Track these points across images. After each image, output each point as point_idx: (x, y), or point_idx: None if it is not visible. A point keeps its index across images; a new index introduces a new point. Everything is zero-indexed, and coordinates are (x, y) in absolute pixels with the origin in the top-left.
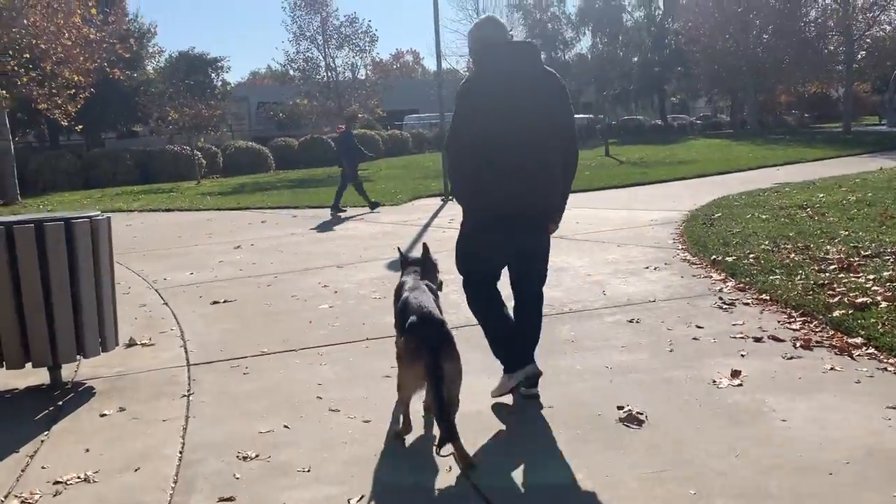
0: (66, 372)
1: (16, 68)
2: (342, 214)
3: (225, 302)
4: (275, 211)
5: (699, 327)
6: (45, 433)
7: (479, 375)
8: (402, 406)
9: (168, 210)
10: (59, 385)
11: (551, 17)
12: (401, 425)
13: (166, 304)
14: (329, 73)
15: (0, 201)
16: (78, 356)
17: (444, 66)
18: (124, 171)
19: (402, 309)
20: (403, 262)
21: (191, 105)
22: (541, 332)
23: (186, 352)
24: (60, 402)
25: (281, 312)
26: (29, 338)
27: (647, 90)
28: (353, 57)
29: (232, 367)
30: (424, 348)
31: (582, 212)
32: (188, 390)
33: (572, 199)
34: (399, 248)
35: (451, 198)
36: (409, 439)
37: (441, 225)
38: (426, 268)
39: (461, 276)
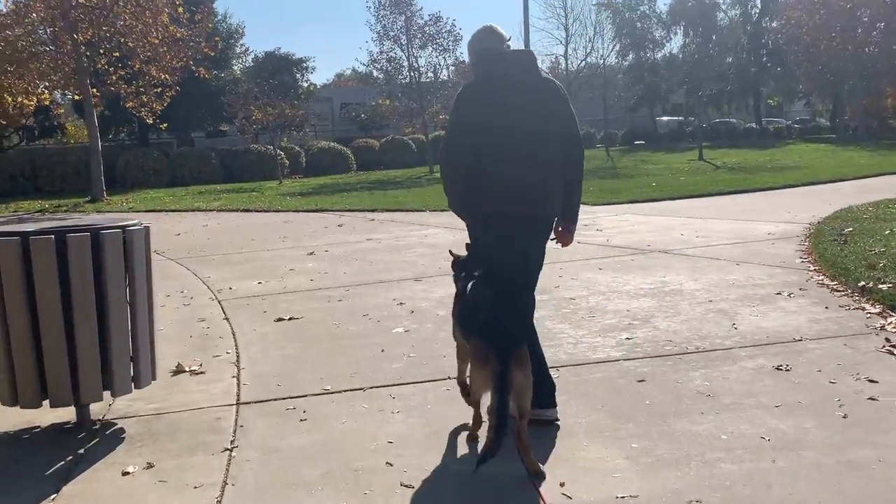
0: (99, 406)
1: (106, 66)
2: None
3: (290, 319)
4: (353, 214)
5: (872, 381)
6: (53, 496)
7: None
8: (474, 405)
9: (246, 210)
10: (86, 424)
11: (641, 16)
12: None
13: (227, 319)
14: (412, 74)
15: (87, 198)
16: (106, 393)
17: None
18: (209, 169)
19: (468, 305)
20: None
21: (274, 105)
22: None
23: (238, 384)
24: (82, 450)
25: (350, 336)
26: (46, 371)
27: (741, 92)
28: (437, 57)
29: (287, 410)
30: (494, 354)
31: (682, 222)
32: (232, 442)
33: (668, 207)
34: (451, 251)
35: None
36: None
37: None
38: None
39: None
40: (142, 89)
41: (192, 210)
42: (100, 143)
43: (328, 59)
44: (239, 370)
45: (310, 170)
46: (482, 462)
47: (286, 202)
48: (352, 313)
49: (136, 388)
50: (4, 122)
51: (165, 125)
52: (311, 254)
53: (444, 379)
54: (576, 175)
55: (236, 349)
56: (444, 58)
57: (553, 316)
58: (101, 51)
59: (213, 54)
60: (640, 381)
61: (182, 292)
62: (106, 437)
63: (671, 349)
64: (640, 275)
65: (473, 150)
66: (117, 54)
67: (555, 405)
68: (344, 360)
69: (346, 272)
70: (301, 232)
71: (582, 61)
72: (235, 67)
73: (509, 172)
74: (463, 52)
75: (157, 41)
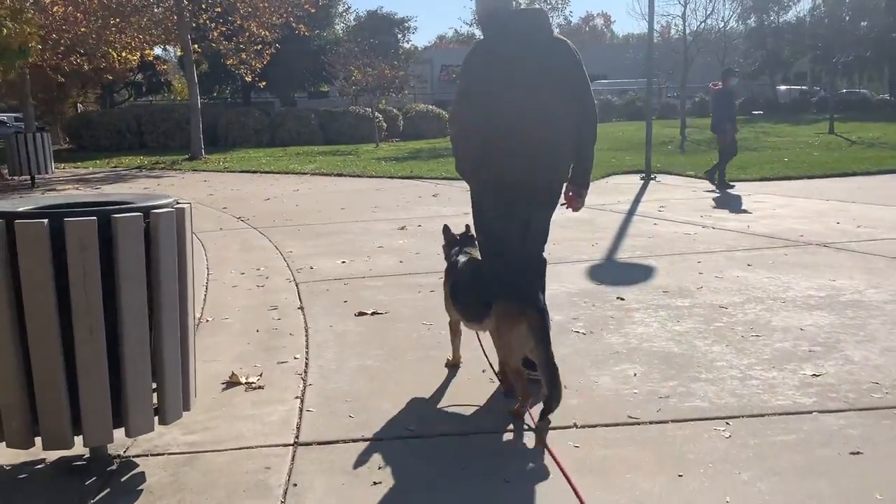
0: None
1: (207, 21)
2: (731, 190)
3: (373, 314)
4: (447, 183)
5: None
6: None
7: None
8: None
9: (339, 175)
10: (101, 461)
11: None
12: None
13: (302, 308)
14: None
15: (186, 155)
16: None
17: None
18: (308, 131)
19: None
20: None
21: (374, 65)
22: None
23: (301, 411)
24: None
25: (444, 344)
26: (38, 402)
27: (877, 60)
28: None
29: (358, 463)
30: (529, 308)
31: (834, 206)
32: None
33: (808, 186)
34: (446, 226)
35: (654, 176)
36: None
37: (649, 213)
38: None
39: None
40: (241, 46)
41: (286, 173)
42: (199, 101)
43: (430, 20)
44: (305, 387)
45: (407, 133)
46: (550, 412)
47: (381, 167)
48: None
49: (161, 423)
50: (111, 78)
51: (264, 83)
52: (403, 228)
53: (570, 427)
54: (587, 139)
55: (306, 354)
56: (552, 16)
57: (704, 332)
58: (203, 6)
59: (313, 10)
60: (854, 454)
61: (259, 270)
62: (119, 488)
63: (882, 397)
64: (802, 276)
65: (483, 112)
66: (219, 9)
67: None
68: (436, 381)
69: (439, 253)
70: (393, 202)
71: (701, 23)
72: (337, 27)
73: (515, 137)
74: (573, 11)
75: None
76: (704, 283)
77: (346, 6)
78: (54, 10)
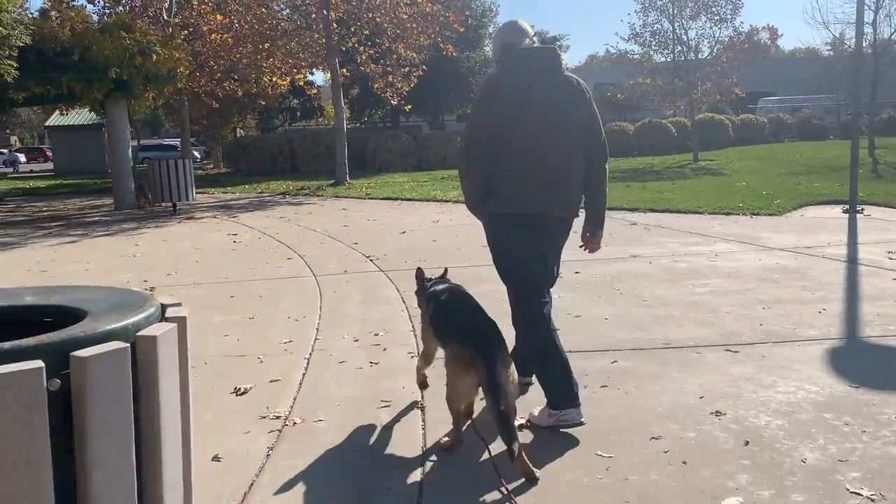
0: None
1: (356, 45)
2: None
3: (528, 425)
4: (608, 214)
5: None
6: None
7: None
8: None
9: None
10: None
11: None
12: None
13: (422, 408)
14: (679, 48)
15: (331, 181)
16: None
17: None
18: (455, 154)
19: (444, 312)
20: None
21: None
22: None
23: None
24: None
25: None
26: None
27: None
28: (710, 28)
29: None
30: (479, 357)
31: None
32: None
33: None
34: (420, 269)
35: (861, 209)
36: None
37: (878, 261)
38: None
39: (511, 291)
40: (389, 69)
41: (427, 200)
42: (345, 125)
43: (580, 41)
44: None
45: None
46: (514, 455)
47: None
48: (633, 427)
49: None
50: (264, 103)
51: (410, 107)
52: (577, 272)
53: None
54: (597, 178)
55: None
56: (720, 29)
57: None
58: (352, 28)
59: (461, 30)
60: None
61: (377, 336)
62: None
63: None
64: None
65: (492, 145)
66: (367, 32)
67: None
68: None
69: (607, 317)
70: None
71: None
72: (487, 48)
73: (524, 171)
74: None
75: (405, 16)
76: None
77: (497, 26)
78: (211, 37)
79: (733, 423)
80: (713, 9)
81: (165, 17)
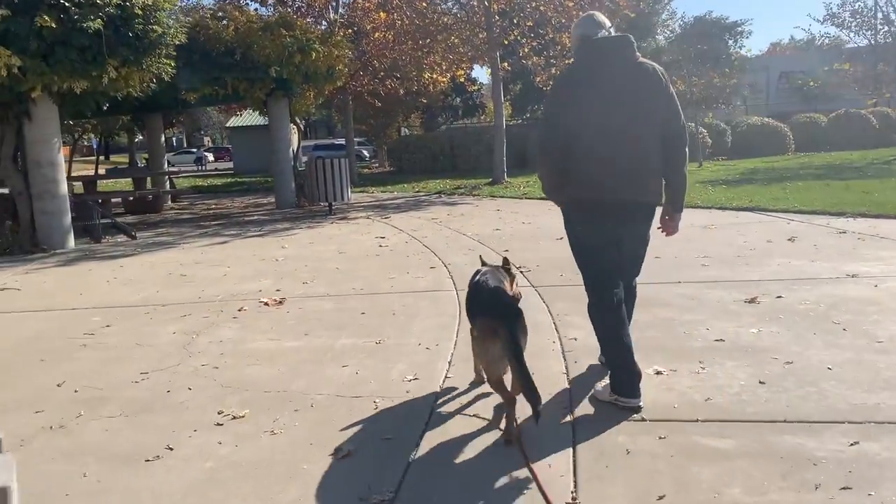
0: None
1: (518, 37)
2: None
3: None
4: (807, 218)
5: None
6: None
7: None
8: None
9: None
10: None
11: None
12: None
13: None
14: (887, 28)
15: (488, 179)
16: None
17: None
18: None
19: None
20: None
21: (700, 74)
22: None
23: None
24: None
25: None
26: None
27: None
28: None
29: None
30: (500, 324)
31: None
32: None
33: None
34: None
35: None
36: None
37: None
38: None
39: (584, 277)
40: (552, 61)
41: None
42: (504, 122)
43: (762, 27)
44: None
45: (735, 150)
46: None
47: (708, 194)
48: None
49: None
50: (425, 101)
51: None
52: (753, 301)
53: None
54: (676, 161)
55: None
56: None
57: None
58: (515, 20)
59: (633, 16)
60: None
61: (535, 375)
62: None
63: None
64: None
65: (567, 134)
66: (530, 23)
67: (639, 394)
68: None
69: (831, 366)
70: (731, 248)
71: None
72: (660, 36)
73: (594, 158)
74: None
75: (571, 3)
76: None
77: (671, 13)
78: (374, 35)
79: None
80: None
81: (332, 16)
